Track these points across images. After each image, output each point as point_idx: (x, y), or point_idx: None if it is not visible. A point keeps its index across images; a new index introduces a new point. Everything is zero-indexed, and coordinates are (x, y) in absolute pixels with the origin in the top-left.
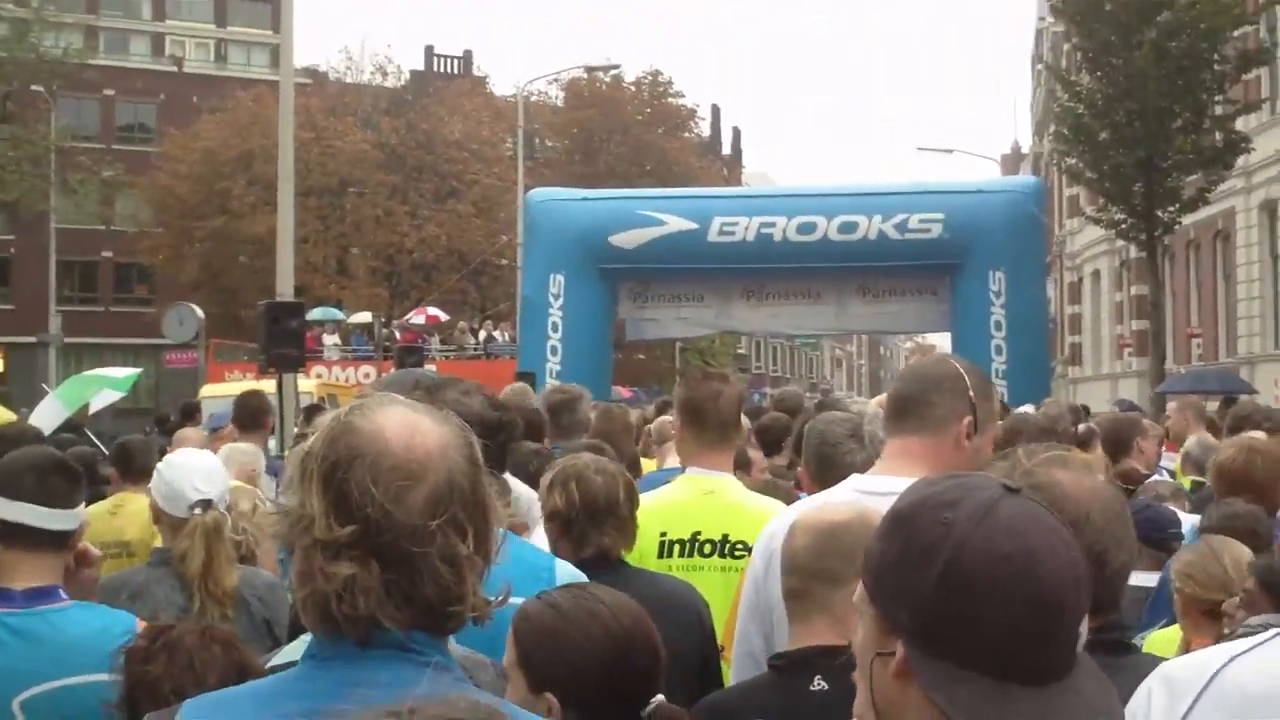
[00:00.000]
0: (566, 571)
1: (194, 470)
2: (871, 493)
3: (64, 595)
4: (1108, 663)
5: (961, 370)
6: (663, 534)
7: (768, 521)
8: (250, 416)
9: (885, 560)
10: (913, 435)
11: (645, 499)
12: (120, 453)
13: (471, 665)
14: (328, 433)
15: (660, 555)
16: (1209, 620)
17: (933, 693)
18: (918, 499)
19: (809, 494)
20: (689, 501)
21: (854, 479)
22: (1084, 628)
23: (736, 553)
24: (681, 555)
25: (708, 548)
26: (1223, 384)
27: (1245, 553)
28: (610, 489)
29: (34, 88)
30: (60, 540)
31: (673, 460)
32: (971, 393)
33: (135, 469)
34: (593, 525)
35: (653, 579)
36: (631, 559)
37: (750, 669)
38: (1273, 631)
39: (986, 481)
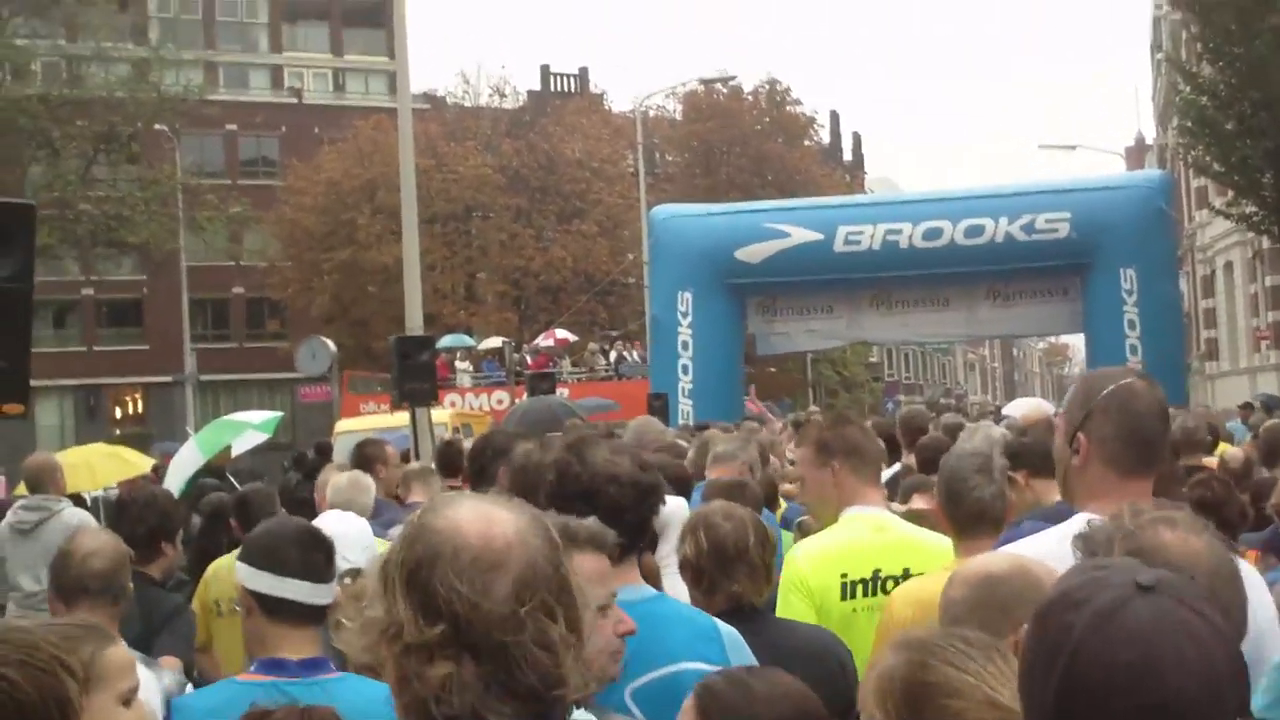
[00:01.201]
0: (728, 632)
1: (343, 540)
2: None
3: (333, 666)
4: None
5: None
6: (843, 575)
7: (945, 554)
8: (364, 464)
9: (1025, 658)
10: (1153, 475)
11: (819, 541)
12: (241, 507)
13: None
14: (405, 537)
15: (844, 597)
16: None
17: None
18: (1056, 593)
19: (943, 527)
20: (864, 540)
21: None
22: None
23: None
24: (865, 595)
25: (890, 584)
26: None
27: None
28: (739, 534)
29: (157, 127)
30: (321, 614)
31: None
32: None
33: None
34: (722, 573)
35: (791, 627)
36: (814, 602)
37: None
38: None
39: (1123, 577)
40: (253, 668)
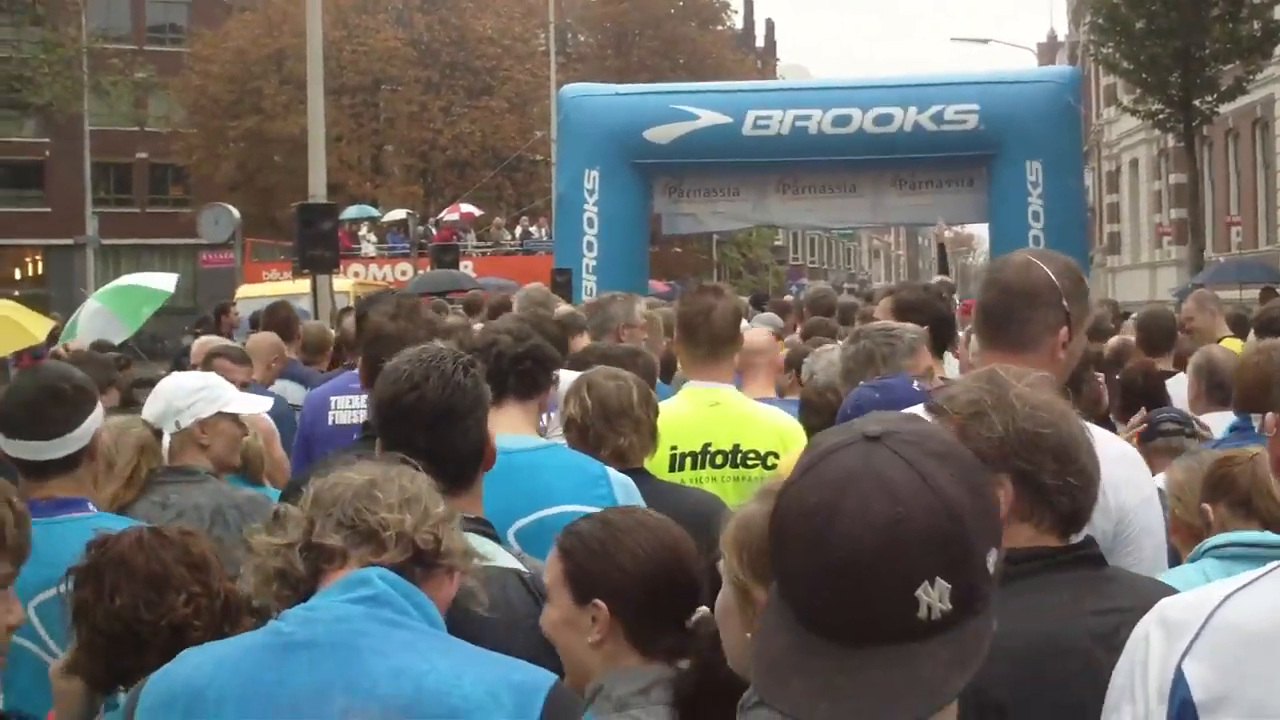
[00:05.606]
0: (620, 479)
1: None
2: None
3: (90, 507)
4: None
5: (1053, 276)
6: (673, 448)
7: (778, 430)
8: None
9: None
10: (1007, 352)
11: None
12: None
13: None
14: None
15: (672, 469)
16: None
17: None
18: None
19: None
20: (695, 413)
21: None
22: (935, 599)
23: (749, 462)
24: (693, 468)
25: (719, 459)
26: (1268, 273)
27: None
28: (623, 392)
29: None
30: (66, 463)
31: None
32: (1065, 301)
33: None
34: (608, 426)
35: (681, 491)
36: None
37: None
38: (1272, 565)
39: (860, 425)
40: None
